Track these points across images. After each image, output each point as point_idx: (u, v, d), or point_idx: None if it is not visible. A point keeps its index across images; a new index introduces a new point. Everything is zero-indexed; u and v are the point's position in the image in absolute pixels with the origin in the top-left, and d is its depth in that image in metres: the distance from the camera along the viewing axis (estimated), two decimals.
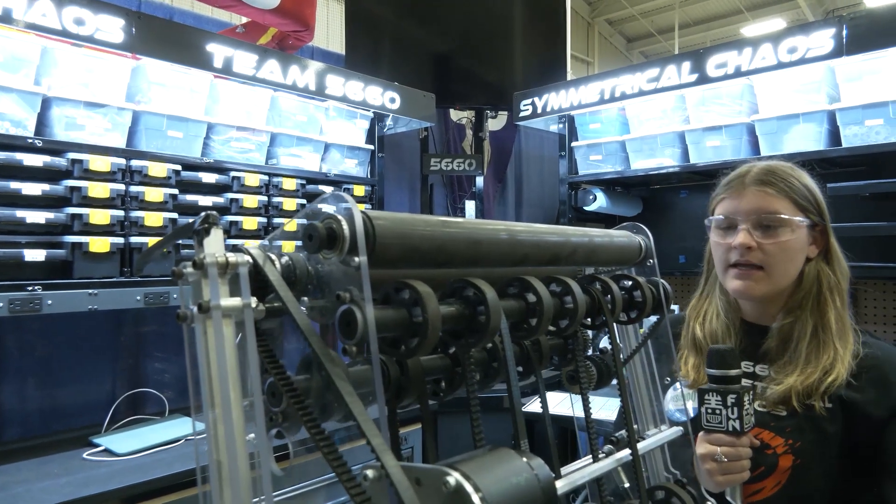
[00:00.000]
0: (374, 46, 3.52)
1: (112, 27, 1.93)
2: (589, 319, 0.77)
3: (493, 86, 3.66)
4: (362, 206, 2.88)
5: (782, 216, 1.10)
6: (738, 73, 2.35)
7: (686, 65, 2.47)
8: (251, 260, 0.52)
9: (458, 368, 0.68)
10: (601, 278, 0.78)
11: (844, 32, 2.09)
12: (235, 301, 0.49)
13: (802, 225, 1.11)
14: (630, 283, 0.84)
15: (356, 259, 0.50)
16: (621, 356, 0.85)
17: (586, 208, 3.09)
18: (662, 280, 0.87)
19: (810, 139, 2.28)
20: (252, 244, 0.54)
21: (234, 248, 0.53)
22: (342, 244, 0.51)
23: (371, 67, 3.22)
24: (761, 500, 1.07)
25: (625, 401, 0.80)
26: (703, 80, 2.44)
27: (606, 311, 0.76)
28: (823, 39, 2.13)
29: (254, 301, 0.50)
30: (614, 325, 0.80)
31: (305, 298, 0.56)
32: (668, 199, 3.20)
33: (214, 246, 0.51)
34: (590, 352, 0.87)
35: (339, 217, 0.52)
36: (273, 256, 0.55)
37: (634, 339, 0.94)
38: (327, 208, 0.53)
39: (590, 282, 0.78)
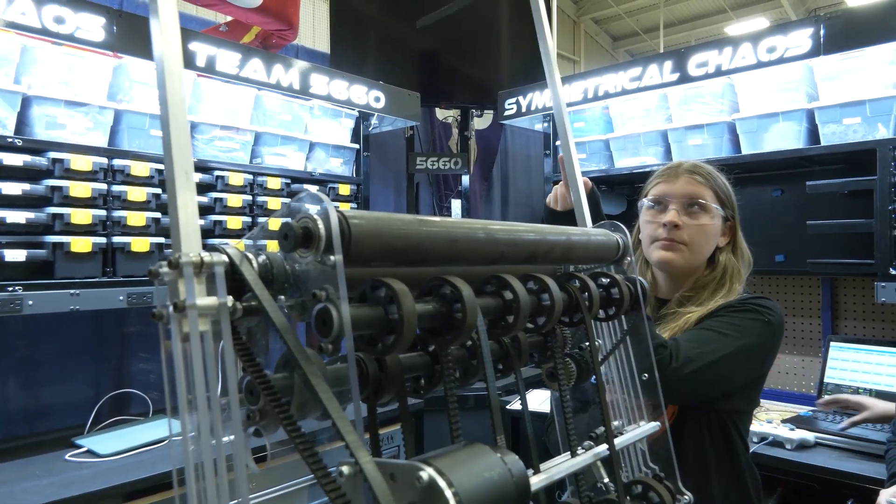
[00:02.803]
0: (360, 44, 3.51)
1: (93, 26, 1.91)
2: (567, 317, 0.78)
3: (478, 84, 3.67)
4: (347, 206, 2.89)
5: (706, 202, 1.31)
6: (719, 73, 2.37)
7: (668, 64, 2.50)
8: (227, 259, 0.52)
9: (437, 366, 0.68)
10: (579, 276, 0.79)
11: (822, 32, 2.12)
12: (211, 300, 0.49)
13: (719, 214, 1.33)
14: (608, 280, 0.85)
15: (332, 258, 0.51)
16: (600, 353, 0.86)
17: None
18: (640, 277, 0.88)
19: (790, 137, 2.31)
20: (236, 243, 0.54)
21: (211, 247, 0.54)
22: (318, 243, 0.52)
23: (356, 66, 3.22)
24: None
25: (602, 398, 0.81)
26: (685, 79, 2.47)
27: (584, 309, 0.77)
28: (801, 39, 2.16)
29: (230, 300, 0.50)
30: (592, 321, 0.81)
31: (282, 297, 0.57)
32: None
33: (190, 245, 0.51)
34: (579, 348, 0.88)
35: (315, 216, 0.52)
36: (250, 255, 0.56)
37: (614, 335, 0.95)
38: (303, 207, 0.54)
39: (567, 279, 0.79)
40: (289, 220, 0.53)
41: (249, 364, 0.51)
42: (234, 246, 0.57)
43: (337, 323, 0.49)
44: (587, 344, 0.88)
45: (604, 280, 0.85)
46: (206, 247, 0.54)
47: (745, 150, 2.43)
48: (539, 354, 0.82)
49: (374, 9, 3.56)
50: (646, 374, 0.91)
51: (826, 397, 2.14)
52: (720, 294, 1.31)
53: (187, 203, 0.53)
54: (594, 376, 0.84)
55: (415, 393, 0.70)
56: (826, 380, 2.38)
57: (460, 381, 0.71)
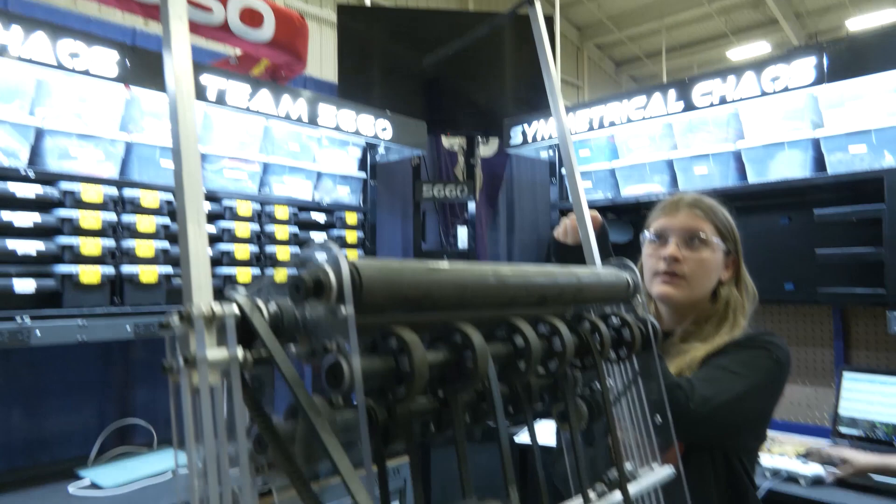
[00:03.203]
0: (366, 72, 3.56)
1: (106, 60, 1.94)
2: (578, 360, 0.78)
3: (483, 112, 3.70)
4: (354, 234, 2.90)
5: (706, 236, 1.32)
6: (723, 102, 2.38)
7: (672, 93, 2.51)
8: (238, 311, 0.52)
9: (446, 409, 0.68)
10: (589, 318, 0.79)
11: (825, 60, 2.13)
12: (222, 353, 0.49)
13: (720, 248, 1.34)
14: (618, 321, 0.84)
15: (343, 310, 0.51)
16: (612, 395, 0.85)
17: None
18: (651, 317, 0.87)
19: (796, 166, 2.31)
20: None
21: (222, 296, 0.53)
22: (329, 294, 0.51)
23: (363, 93, 3.25)
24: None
25: (615, 441, 0.80)
26: (690, 107, 2.48)
27: (595, 351, 0.76)
28: (805, 68, 2.17)
29: (240, 352, 0.50)
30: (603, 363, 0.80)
31: (292, 345, 0.57)
32: None
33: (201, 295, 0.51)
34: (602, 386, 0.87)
35: (326, 267, 0.52)
36: (261, 304, 0.56)
37: (625, 374, 0.94)
38: (314, 258, 0.54)
39: (578, 321, 0.79)
40: (300, 271, 0.53)
41: (259, 417, 0.51)
42: (243, 294, 0.56)
43: (348, 377, 0.48)
44: (598, 384, 0.87)
45: (615, 321, 0.84)
46: (216, 294, 0.53)
47: (752, 178, 2.43)
48: (549, 396, 0.82)
49: (379, 35, 3.61)
50: (658, 416, 0.90)
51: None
52: (724, 328, 1.31)
53: (199, 253, 0.53)
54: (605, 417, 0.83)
55: (423, 436, 0.69)
56: (840, 412, 2.34)
57: (470, 424, 0.71)
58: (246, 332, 0.52)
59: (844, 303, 2.45)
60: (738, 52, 12.82)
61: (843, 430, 2.30)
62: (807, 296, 2.40)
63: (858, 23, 11.02)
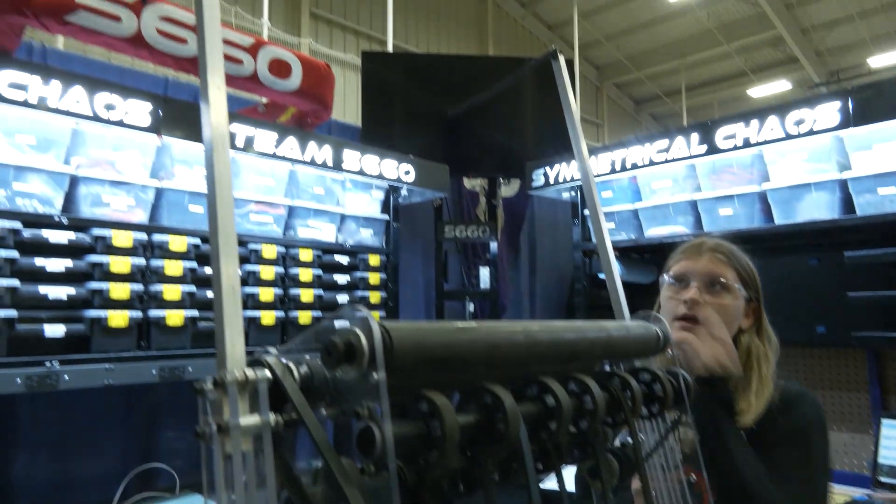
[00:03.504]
0: (389, 116, 3.63)
1: (140, 111, 2.01)
2: (609, 417, 0.76)
3: (505, 154, 3.74)
4: (377, 277, 2.91)
5: (728, 281, 1.29)
6: (747, 145, 2.38)
7: (695, 136, 2.52)
8: (270, 375, 0.52)
9: (475, 468, 0.66)
10: (619, 373, 0.78)
11: (850, 105, 2.12)
12: (254, 420, 0.49)
13: (741, 295, 1.30)
14: (649, 376, 0.82)
15: (375, 375, 0.51)
16: (643, 451, 0.83)
17: (602, 276, 3.08)
18: (682, 371, 0.86)
19: (823, 207, 2.28)
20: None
21: (254, 360, 0.54)
22: (361, 359, 0.51)
23: (385, 136, 3.31)
24: None
25: (648, 498, 0.78)
26: (713, 150, 2.48)
27: (626, 409, 0.75)
28: (830, 112, 2.16)
29: (272, 417, 0.50)
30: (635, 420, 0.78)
31: (322, 407, 0.57)
32: None
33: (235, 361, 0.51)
34: (617, 441, 0.85)
35: (357, 331, 0.52)
36: (292, 366, 0.56)
37: (656, 428, 0.92)
38: (344, 322, 0.54)
39: (608, 378, 0.78)
40: (331, 335, 0.53)
41: (289, 482, 0.51)
42: (275, 356, 0.57)
43: (380, 445, 0.48)
44: (629, 439, 0.85)
45: (645, 375, 0.82)
46: (248, 359, 0.54)
47: (778, 220, 2.40)
48: (580, 451, 0.80)
49: (402, 82, 3.69)
50: (693, 475, 0.87)
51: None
52: (753, 383, 1.26)
53: (234, 319, 0.53)
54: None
55: (451, 495, 0.68)
56: (880, 461, 2.25)
57: (499, 483, 0.69)
58: (277, 393, 0.53)
59: (880, 346, 2.38)
60: (759, 90, 12.83)
61: (884, 479, 2.20)
62: (840, 339, 2.33)
63: (880, 60, 11.00)
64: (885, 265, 2.20)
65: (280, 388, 0.53)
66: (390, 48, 5.98)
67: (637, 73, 13.36)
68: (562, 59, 1.07)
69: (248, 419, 0.49)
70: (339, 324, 0.55)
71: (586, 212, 3.12)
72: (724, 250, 1.33)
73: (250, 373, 0.51)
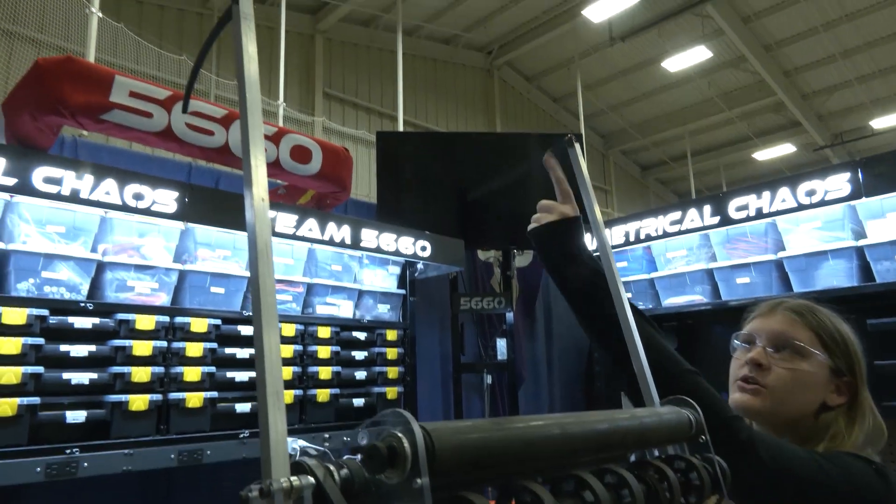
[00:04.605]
0: (402, 191, 3.71)
1: (167, 199, 2.09)
2: None
3: (518, 226, 3.78)
4: (395, 352, 2.90)
5: (801, 343, 1.08)
6: (760, 216, 2.41)
7: (707, 208, 2.56)
8: (314, 482, 0.52)
9: None
10: (655, 463, 0.77)
11: (860, 176, 2.16)
12: None
13: (823, 363, 1.07)
14: (684, 464, 0.81)
15: (418, 481, 0.51)
16: None
17: None
18: (717, 457, 0.84)
19: (841, 275, 2.28)
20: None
21: (296, 465, 0.55)
22: (404, 464, 0.52)
23: (400, 211, 3.38)
24: None
25: None
26: (726, 221, 2.51)
27: (664, 501, 0.74)
28: (840, 182, 2.20)
29: None
30: None
31: None
32: (704, 334, 3.15)
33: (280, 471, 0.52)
34: None
35: (400, 434, 0.53)
36: (333, 469, 0.56)
37: None
38: (386, 426, 0.55)
39: (642, 466, 0.77)
40: (373, 440, 0.54)
41: None
42: (316, 460, 0.57)
43: None
44: None
45: (680, 464, 0.81)
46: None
47: (796, 287, 2.40)
48: None
49: (415, 159, 3.80)
50: None
51: None
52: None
53: (278, 425, 0.54)
54: None
55: None
56: None
57: None
58: (319, 496, 0.53)
59: None
60: (764, 154, 13.01)
61: None
62: None
63: (882, 122, 11.18)
64: None
65: (322, 493, 0.53)
66: (401, 124, 6.19)
67: (642, 140, 13.64)
68: (577, 145, 1.12)
69: None
70: (380, 427, 0.56)
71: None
72: (804, 310, 1.12)
73: (295, 480, 0.51)
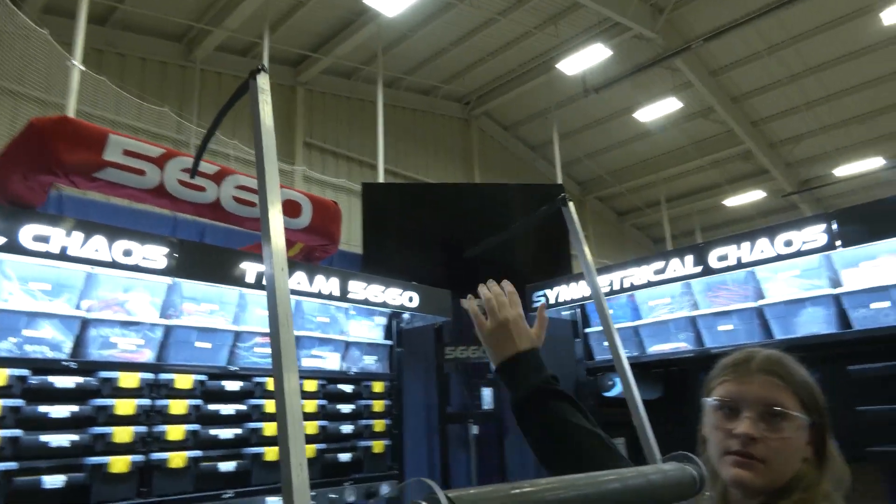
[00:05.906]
0: (388, 241, 3.74)
1: (156, 255, 2.08)
2: None
3: (504, 275, 3.81)
4: (381, 404, 2.87)
5: (789, 411, 1.07)
6: (740, 265, 2.48)
7: (689, 258, 2.62)
8: None
9: None
10: None
11: (834, 227, 2.24)
12: None
13: (805, 424, 1.08)
14: None
15: None
16: None
17: (605, 394, 3.06)
18: None
19: (820, 322, 2.34)
20: None
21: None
22: None
23: (386, 260, 3.40)
24: None
25: None
26: (707, 271, 2.58)
27: None
28: (816, 234, 2.29)
29: None
30: None
31: None
32: (690, 380, 3.18)
33: None
34: None
35: None
36: None
37: None
38: (411, 494, 0.55)
39: None
40: None
41: None
42: None
43: None
44: None
45: None
46: None
47: (777, 334, 2.45)
48: None
49: (400, 209, 3.85)
50: None
51: None
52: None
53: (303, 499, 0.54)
54: None
55: None
56: None
57: None
58: None
59: (888, 462, 2.33)
60: (735, 200, 13.38)
61: None
62: (851, 453, 2.27)
63: (845, 170, 11.63)
64: (889, 378, 2.22)
65: None
66: (381, 173, 6.26)
67: (618, 187, 13.94)
68: (571, 205, 1.15)
69: None
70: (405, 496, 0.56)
71: (587, 330, 3.16)
72: (780, 370, 1.10)
73: None
